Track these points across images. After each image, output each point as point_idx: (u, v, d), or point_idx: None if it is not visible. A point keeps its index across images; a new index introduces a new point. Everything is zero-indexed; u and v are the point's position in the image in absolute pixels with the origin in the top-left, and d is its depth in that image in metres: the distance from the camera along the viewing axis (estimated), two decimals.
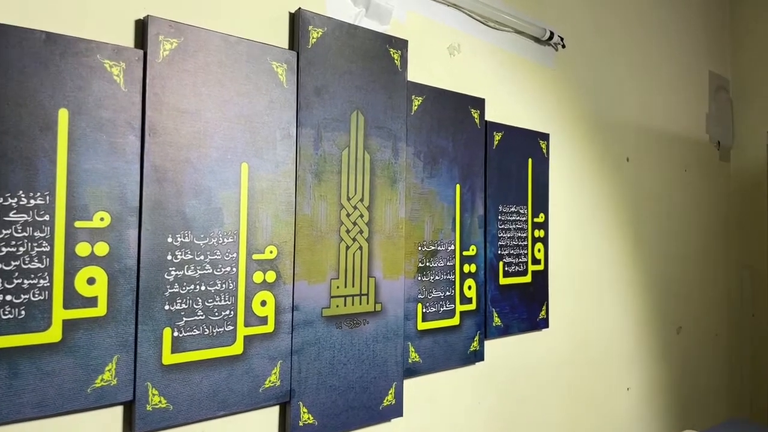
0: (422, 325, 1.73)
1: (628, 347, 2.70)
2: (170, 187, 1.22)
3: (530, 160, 2.13)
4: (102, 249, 1.13)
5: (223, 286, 1.30)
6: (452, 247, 1.82)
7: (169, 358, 1.22)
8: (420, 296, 1.72)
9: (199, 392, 1.26)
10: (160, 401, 1.20)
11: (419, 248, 1.73)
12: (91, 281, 1.12)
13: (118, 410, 1.18)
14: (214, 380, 1.28)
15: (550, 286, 2.21)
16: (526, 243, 2.10)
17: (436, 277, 1.77)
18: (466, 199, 1.87)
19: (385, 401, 1.61)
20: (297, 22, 1.46)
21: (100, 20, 1.18)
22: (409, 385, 1.72)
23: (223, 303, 1.30)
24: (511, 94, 2.12)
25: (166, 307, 1.22)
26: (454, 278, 1.82)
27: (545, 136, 2.20)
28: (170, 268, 1.22)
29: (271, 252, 1.38)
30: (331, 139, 1.51)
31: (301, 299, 1.44)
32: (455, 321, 1.82)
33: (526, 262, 2.10)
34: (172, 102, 1.23)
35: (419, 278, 1.72)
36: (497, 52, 2.07)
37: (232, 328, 1.31)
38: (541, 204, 2.17)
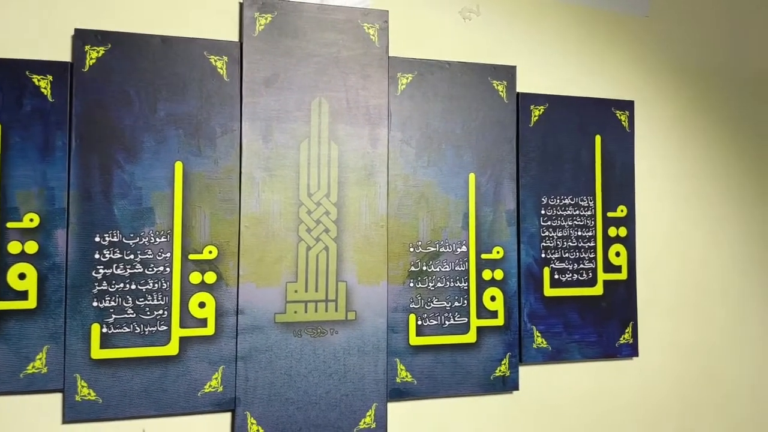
0: (417, 340, 1.47)
1: None
2: (97, 189, 1.28)
3: (598, 138, 1.65)
4: (32, 247, 1.24)
5: (156, 285, 1.30)
6: (464, 249, 1.51)
7: (97, 352, 1.26)
8: (413, 306, 1.47)
9: (130, 389, 1.28)
10: (89, 393, 1.26)
11: (411, 249, 1.48)
12: (22, 276, 1.23)
13: (57, 398, 1.27)
14: (146, 379, 1.29)
15: (639, 301, 1.68)
16: (593, 244, 1.63)
17: (439, 284, 1.49)
18: (485, 191, 1.54)
19: (361, 423, 1.41)
20: (242, 11, 1.39)
21: (38, 39, 1.29)
22: (401, 408, 1.48)
23: (155, 302, 1.30)
24: (568, 58, 1.68)
25: (95, 304, 1.27)
26: (468, 286, 1.51)
27: (626, 105, 1.69)
28: (98, 266, 1.27)
29: (210, 252, 1.34)
30: (286, 131, 1.40)
31: (248, 303, 1.36)
32: (470, 338, 1.51)
33: (594, 269, 1.63)
34: (99, 107, 1.29)
35: (411, 284, 1.47)
36: (546, 6, 1.66)
37: (166, 328, 1.31)
38: (622, 194, 1.67)
